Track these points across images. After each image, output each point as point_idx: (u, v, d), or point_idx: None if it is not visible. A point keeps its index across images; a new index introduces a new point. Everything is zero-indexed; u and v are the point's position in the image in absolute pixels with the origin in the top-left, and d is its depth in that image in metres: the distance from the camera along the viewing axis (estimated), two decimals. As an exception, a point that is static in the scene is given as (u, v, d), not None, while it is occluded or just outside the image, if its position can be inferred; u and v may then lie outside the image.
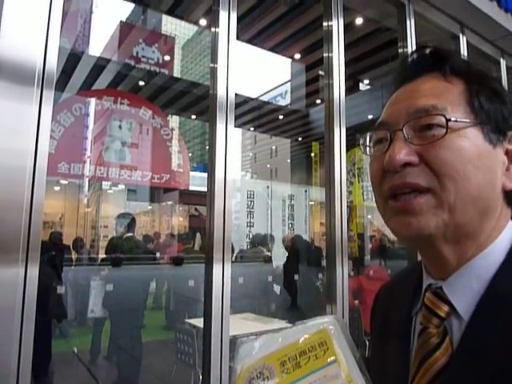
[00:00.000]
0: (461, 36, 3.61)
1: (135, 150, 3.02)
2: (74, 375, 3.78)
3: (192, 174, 3.53)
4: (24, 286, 1.39)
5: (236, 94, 2.25)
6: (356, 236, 5.59)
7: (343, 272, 2.60)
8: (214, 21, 2.26)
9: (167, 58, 3.74)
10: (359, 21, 4.39)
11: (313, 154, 6.31)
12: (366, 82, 6.87)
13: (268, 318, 4.00)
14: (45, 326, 2.96)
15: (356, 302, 4.23)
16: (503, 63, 4.10)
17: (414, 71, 0.62)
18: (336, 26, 2.82)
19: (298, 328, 0.57)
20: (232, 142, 2.19)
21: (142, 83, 4.18)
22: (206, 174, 2.18)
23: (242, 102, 6.30)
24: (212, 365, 1.93)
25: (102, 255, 5.42)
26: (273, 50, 5.98)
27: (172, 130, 3.26)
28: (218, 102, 2.16)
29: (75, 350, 4.19)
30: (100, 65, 4.05)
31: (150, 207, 9.67)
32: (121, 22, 4.24)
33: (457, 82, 0.59)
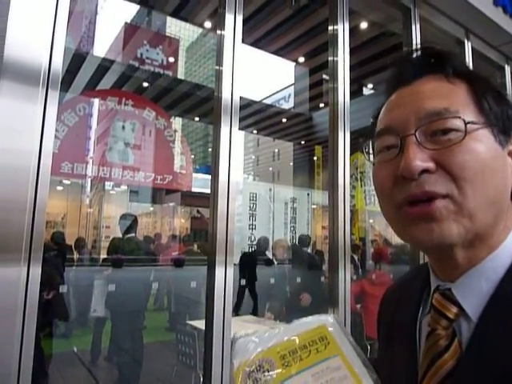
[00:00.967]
0: (466, 41, 3.61)
1: (138, 151, 3.02)
2: (73, 376, 3.77)
3: (194, 175, 3.53)
4: (26, 285, 1.39)
5: (240, 97, 2.25)
6: (358, 240, 5.58)
7: (345, 276, 2.59)
8: (219, 23, 2.27)
9: (171, 59, 3.75)
10: (364, 25, 4.39)
11: (315, 158, 6.30)
12: (370, 86, 6.87)
13: (270, 321, 3.98)
14: (45, 327, 2.96)
15: (358, 306, 4.22)
16: (508, 69, 4.10)
17: (414, 72, 0.60)
18: (341, 30, 2.83)
19: (297, 324, 0.57)
20: (236, 144, 2.19)
21: (146, 84, 4.19)
22: (208, 176, 2.18)
23: (245, 104, 6.31)
24: (213, 367, 1.93)
25: (103, 256, 5.42)
26: (277, 53, 5.99)
27: (175, 131, 3.26)
28: (222, 104, 2.16)
29: (75, 350, 4.19)
30: (104, 65, 4.06)
31: (151, 208, 9.67)
32: (125, 23, 4.26)
33: (460, 84, 0.57)
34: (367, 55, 5.39)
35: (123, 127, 3.01)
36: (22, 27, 1.47)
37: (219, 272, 2.02)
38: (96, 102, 3.08)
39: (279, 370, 0.50)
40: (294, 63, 6.95)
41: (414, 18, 3.22)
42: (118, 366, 3.85)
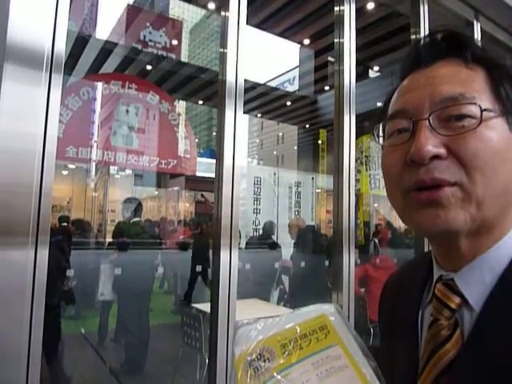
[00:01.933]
0: (475, 22, 3.53)
1: (142, 135, 3.01)
2: (81, 356, 3.85)
3: (199, 159, 3.52)
4: (34, 268, 1.41)
5: (244, 80, 2.23)
6: (362, 224, 5.58)
7: (350, 260, 2.60)
8: (223, 4, 2.23)
9: (175, 42, 3.71)
10: (371, 5, 4.31)
11: (320, 142, 6.26)
12: (376, 68, 6.78)
13: (274, 305, 4.03)
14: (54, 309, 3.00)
15: (362, 290, 4.25)
16: (519, 50, 4.02)
17: (431, 56, 0.58)
18: (348, 11, 2.77)
19: (298, 313, 0.57)
20: (240, 128, 2.18)
21: (149, 67, 4.16)
22: (212, 160, 2.17)
23: (249, 87, 6.25)
24: (218, 349, 1.96)
25: (109, 239, 5.46)
26: (282, 35, 5.90)
27: (179, 115, 3.24)
28: (227, 87, 2.14)
29: (82, 331, 4.26)
30: (107, 48, 4.03)
31: (156, 192, 9.70)
32: (128, 5, 4.20)
33: (478, 70, 0.56)
34: (374, 37, 5.29)
35: (127, 111, 3.00)
36: (25, 10, 1.45)
37: (224, 255, 2.03)
38: (99, 85, 3.06)
39: (280, 359, 0.51)
40: (299, 45, 6.85)
41: (422, -2, 3.15)
42: (124, 347, 3.92)
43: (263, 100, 7.48)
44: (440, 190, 0.52)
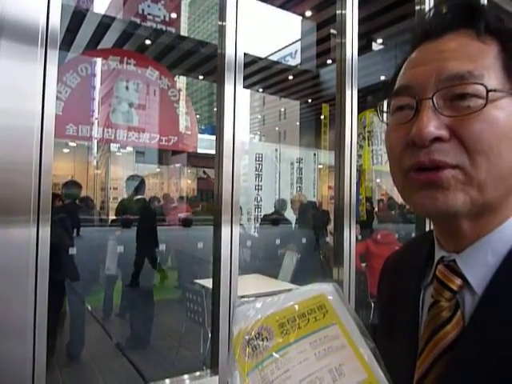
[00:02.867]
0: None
1: (142, 112, 2.98)
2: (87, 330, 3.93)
3: (200, 136, 3.50)
4: (37, 246, 1.42)
5: (244, 54, 2.18)
6: (364, 199, 5.59)
7: (351, 235, 2.62)
8: (222, -25, 2.16)
9: (174, 15, 3.63)
10: (374, -25, 4.19)
11: (322, 117, 6.20)
12: (380, 41, 6.64)
13: (276, 280, 4.08)
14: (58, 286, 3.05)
15: (363, 264, 4.29)
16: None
17: (441, 26, 0.55)
18: (350, -19, 2.69)
19: (297, 292, 0.57)
20: (240, 103, 2.15)
21: (148, 42, 4.08)
22: (214, 137, 2.15)
23: (250, 61, 6.15)
24: (221, 323, 1.99)
25: (111, 217, 5.49)
26: (283, 6, 5.77)
27: (179, 90, 3.20)
28: (226, 61, 2.10)
29: (89, 308, 4.34)
30: (105, 23, 3.94)
31: (158, 169, 9.70)
32: (125, -23, 4.09)
33: (491, 43, 0.52)
34: (377, 8, 5.17)
35: (126, 87, 2.96)
36: (17, -18, 1.42)
37: (225, 231, 2.04)
38: (98, 61, 3.01)
39: (278, 338, 0.51)
40: (300, 17, 6.71)
41: (427, -34, 3.05)
42: (129, 322, 4.00)
43: (265, 74, 7.37)
44: (440, 171, 0.50)
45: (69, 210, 3.86)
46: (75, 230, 3.69)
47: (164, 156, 9.02)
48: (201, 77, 7.17)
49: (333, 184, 2.74)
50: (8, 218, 1.36)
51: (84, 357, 3.55)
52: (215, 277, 2.04)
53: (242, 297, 0.60)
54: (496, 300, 0.50)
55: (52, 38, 1.48)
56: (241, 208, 4.47)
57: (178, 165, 9.73)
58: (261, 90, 8.97)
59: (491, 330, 0.49)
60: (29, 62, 1.43)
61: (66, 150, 6.64)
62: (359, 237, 3.91)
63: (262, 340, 0.51)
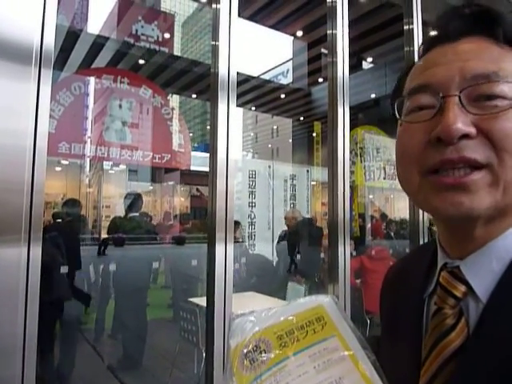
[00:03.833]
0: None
1: (136, 130, 2.99)
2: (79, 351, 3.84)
3: (193, 153, 3.51)
4: (27, 265, 1.40)
5: (237, 73, 2.21)
6: (357, 216, 5.60)
7: (345, 251, 2.61)
8: (215, -4, 2.20)
9: (167, 35, 3.68)
10: (363, -4, 4.29)
11: (315, 134, 6.26)
12: (370, 60, 6.76)
13: (272, 298, 4.03)
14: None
15: (358, 281, 4.27)
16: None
17: (459, 30, 0.55)
18: (340, 2, 2.75)
19: (294, 304, 0.56)
20: (234, 121, 2.17)
21: (141, 62, 4.12)
22: (207, 154, 2.16)
23: (243, 80, 6.22)
24: (215, 343, 1.96)
25: (103, 235, 5.44)
26: (274, 27, 5.87)
27: (172, 109, 3.22)
28: (219, 80, 2.12)
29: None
30: (99, 43, 3.98)
31: (151, 187, 9.66)
32: (119, -2, 4.15)
33: (509, 49, 0.53)
34: (367, 28, 5.28)
35: (120, 106, 2.97)
36: (12, 4, 1.43)
37: (219, 249, 2.03)
38: (91, 80, 3.03)
39: (276, 351, 0.50)
40: (292, 37, 6.82)
41: (414, -12, 3.13)
42: (122, 342, 3.92)
43: (257, 93, 7.46)
44: (470, 175, 0.49)
45: (63, 228, 3.82)
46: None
47: (157, 174, 9.00)
48: (194, 95, 7.23)
49: (326, 200, 2.74)
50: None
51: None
52: (209, 295, 2.02)
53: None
54: (500, 307, 0.50)
55: (46, 58, 1.50)
56: (241, 224, 4.47)
57: (171, 182, 9.71)
58: (253, 108, 9.05)
59: (496, 337, 0.48)
60: (23, 80, 1.43)
61: (58, 168, 6.61)
62: (353, 253, 3.90)
63: (260, 353, 0.50)
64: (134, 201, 4.34)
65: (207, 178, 2.14)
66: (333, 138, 2.68)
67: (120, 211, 4.78)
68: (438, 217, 0.55)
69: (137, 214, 4.33)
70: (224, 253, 2.04)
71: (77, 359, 3.36)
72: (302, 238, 4.99)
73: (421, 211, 3.01)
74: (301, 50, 7.01)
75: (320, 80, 7.07)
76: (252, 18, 5.39)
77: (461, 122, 0.49)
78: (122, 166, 6.34)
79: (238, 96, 2.22)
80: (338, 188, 2.61)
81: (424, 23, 3.15)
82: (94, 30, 4.36)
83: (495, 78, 0.50)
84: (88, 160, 5.32)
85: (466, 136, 0.49)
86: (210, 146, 2.15)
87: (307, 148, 7.09)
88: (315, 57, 6.49)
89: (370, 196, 6.07)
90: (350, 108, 2.75)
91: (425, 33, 3.13)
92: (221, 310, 1.99)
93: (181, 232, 6.84)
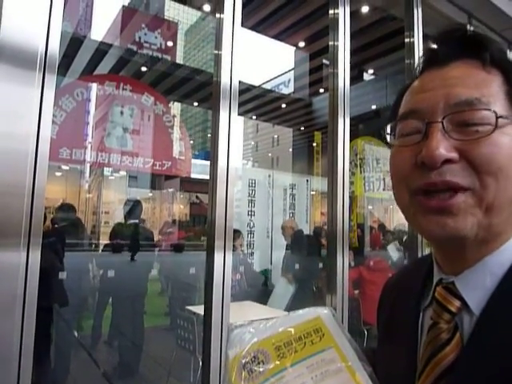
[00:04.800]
0: (468, 26, 3.56)
1: (137, 137, 3.00)
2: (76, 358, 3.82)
3: (193, 161, 3.52)
4: (26, 270, 1.39)
5: (239, 82, 2.23)
6: (356, 226, 5.60)
7: (344, 262, 2.61)
8: (218, 6, 2.23)
9: (170, 43, 3.71)
10: (365, 9, 4.33)
11: (315, 144, 6.28)
12: (371, 71, 6.81)
13: (269, 308, 4.02)
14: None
15: (356, 292, 4.25)
16: (510, 55, 4.06)
17: (447, 55, 0.57)
18: (342, 14, 2.79)
19: (293, 316, 0.56)
20: (235, 129, 2.18)
21: (144, 69, 4.15)
22: (207, 162, 2.17)
23: (244, 89, 6.25)
24: (212, 351, 1.95)
25: (103, 241, 5.43)
26: (277, 37, 5.92)
27: (174, 116, 3.24)
28: (221, 89, 2.14)
29: (76, 335, 4.23)
30: (102, 50, 4.01)
31: (150, 194, 9.67)
32: (123, 6, 4.20)
33: (495, 73, 0.55)
34: (368, 40, 5.33)
35: (121, 112, 2.99)
36: (18, 10, 1.45)
37: (218, 257, 2.03)
38: (94, 86, 3.05)
39: (274, 362, 0.50)
40: (294, 48, 6.88)
41: (415, 2, 3.17)
42: (118, 350, 3.89)
43: (258, 102, 7.49)
44: (452, 198, 0.51)
45: (60, 233, 3.81)
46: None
47: (157, 180, 9.01)
48: (195, 103, 7.26)
49: (325, 210, 2.75)
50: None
51: None
52: (207, 303, 2.01)
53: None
54: (492, 321, 0.51)
55: (50, 63, 1.51)
56: (241, 234, 4.46)
57: (170, 189, 9.72)
58: (254, 117, 9.10)
59: (489, 351, 0.49)
60: (26, 86, 1.44)
61: (58, 174, 6.61)
62: (352, 263, 3.90)
63: (258, 364, 0.50)
64: (133, 207, 4.33)
65: (207, 186, 2.14)
66: (333, 148, 2.70)
67: (119, 217, 4.78)
68: (427, 238, 0.57)
69: (136, 221, 4.32)
70: (223, 261, 2.03)
71: (72, 366, 3.34)
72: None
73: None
74: (302, 61, 7.06)
75: (321, 90, 7.11)
76: (255, 27, 5.43)
77: (443, 147, 0.51)
78: (122, 172, 6.35)
79: (240, 105, 2.23)
80: (338, 198, 2.62)
81: (425, 36, 3.19)
82: (97, 36, 4.40)
83: (478, 104, 0.52)
84: (88, 166, 5.34)
85: (449, 160, 0.51)
86: (210, 154, 2.16)
87: (307, 158, 7.11)
88: (316, 67, 6.53)
89: (370, 207, 6.07)
90: (351, 119, 2.77)
91: (425, 46, 3.16)
92: (218, 318, 1.98)
93: (179, 239, 6.83)
